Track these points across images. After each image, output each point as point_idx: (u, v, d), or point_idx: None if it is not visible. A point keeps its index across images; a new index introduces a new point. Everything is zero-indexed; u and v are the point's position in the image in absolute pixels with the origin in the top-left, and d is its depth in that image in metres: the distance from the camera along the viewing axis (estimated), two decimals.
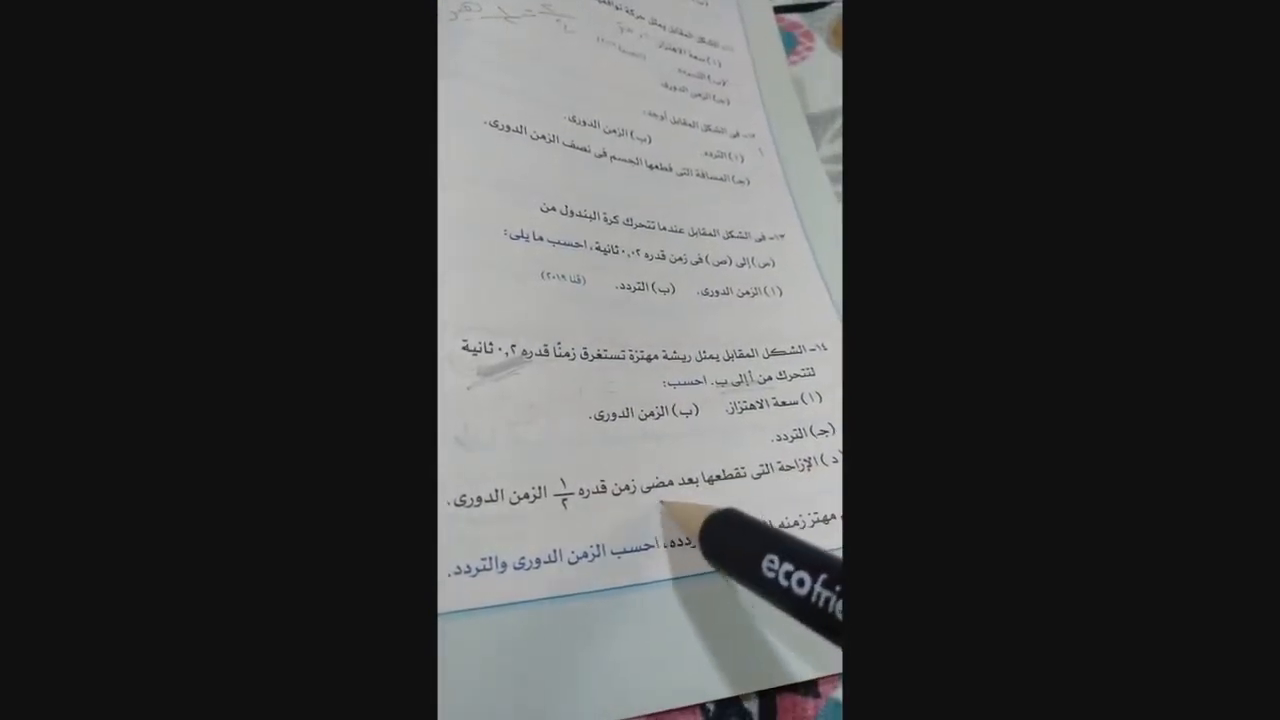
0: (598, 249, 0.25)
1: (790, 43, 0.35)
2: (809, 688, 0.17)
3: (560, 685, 0.18)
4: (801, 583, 0.15)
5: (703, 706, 0.17)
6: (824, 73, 0.34)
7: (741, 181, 0.30)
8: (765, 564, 0.16)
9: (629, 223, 0.27)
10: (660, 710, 0.18)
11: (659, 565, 0.21)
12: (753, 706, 0.17)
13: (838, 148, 0.32)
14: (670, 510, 0.21)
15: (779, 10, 0.36)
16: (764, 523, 0.18)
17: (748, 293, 0.27)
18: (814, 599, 0.14)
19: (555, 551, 0.20)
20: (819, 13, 0.35)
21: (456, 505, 0.20)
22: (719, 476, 0.23)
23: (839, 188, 0.31)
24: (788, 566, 0.15)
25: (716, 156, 0.30)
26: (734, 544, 0.17)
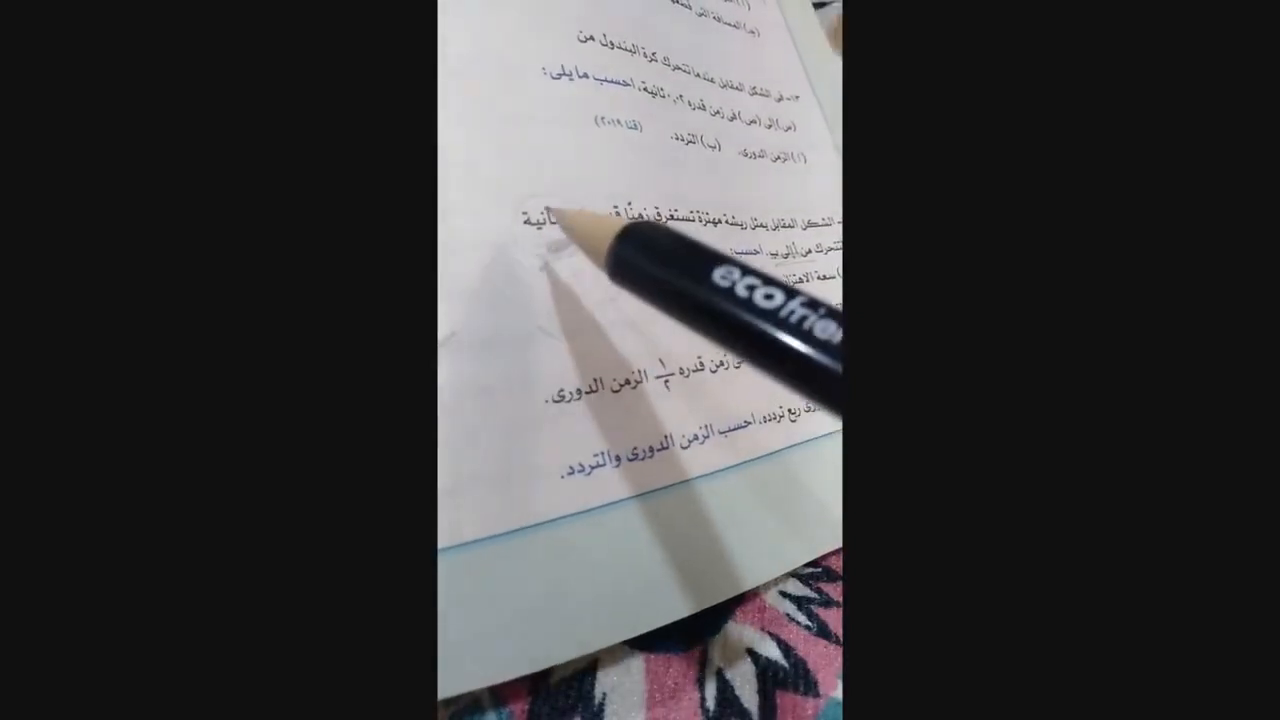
0: (645, 90, 0.21)
1: None
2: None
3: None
4: (770, 297, 0.11)
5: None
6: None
7: (752, 31, 0.27)
8: (719, 274, 0.12)
9: (667, 62, 0.23)
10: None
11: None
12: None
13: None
14: (564, 217, 0.16)
15: None
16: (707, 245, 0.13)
17: (779, 158, 0.25)
18: (785, 314, 0.11)
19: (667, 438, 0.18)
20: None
21: (554, 401, 0.16)
22: None
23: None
24: (751, 280, 0.11)
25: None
26: (666, 255, 0.13)
